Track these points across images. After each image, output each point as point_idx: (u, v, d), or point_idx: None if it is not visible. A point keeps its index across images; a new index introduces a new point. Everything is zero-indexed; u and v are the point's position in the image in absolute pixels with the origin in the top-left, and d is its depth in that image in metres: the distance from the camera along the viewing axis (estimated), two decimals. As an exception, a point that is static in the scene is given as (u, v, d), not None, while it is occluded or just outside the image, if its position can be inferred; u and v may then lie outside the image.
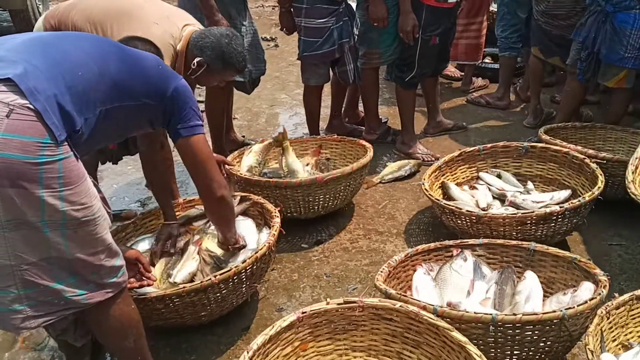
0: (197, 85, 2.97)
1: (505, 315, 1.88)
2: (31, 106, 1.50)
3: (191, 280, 2.32)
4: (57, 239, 1.58)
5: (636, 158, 2.75)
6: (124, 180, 3.80)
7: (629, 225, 3.06)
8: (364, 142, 3.41)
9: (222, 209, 2.23)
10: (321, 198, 2.99)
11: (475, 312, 1.91)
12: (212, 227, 2.53)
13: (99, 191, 1.75)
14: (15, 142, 1.48)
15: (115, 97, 1.74)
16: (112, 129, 1.84)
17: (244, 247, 2.43)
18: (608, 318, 2.02)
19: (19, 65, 1.55)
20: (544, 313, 1.87)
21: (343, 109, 4.29)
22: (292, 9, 3.68)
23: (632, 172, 2.68)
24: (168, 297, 2.14)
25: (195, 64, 2.52)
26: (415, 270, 2.40)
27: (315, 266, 2.85)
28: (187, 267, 2.41)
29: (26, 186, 1.49)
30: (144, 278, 2.18)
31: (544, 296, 2.30)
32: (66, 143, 1.57)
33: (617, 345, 2.07)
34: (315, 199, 2.99)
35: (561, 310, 1.86)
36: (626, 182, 2.63)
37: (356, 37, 3.77)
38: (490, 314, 1.88)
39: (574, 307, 1.88)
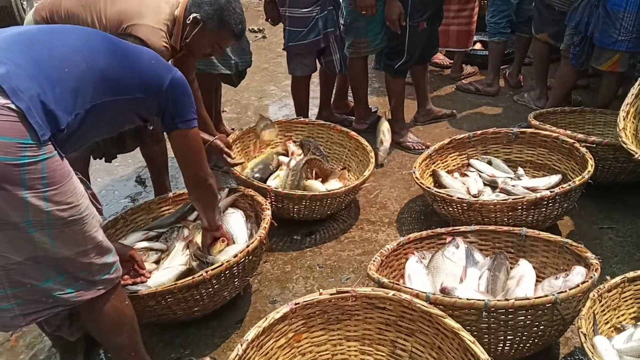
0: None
1: (498, 300, 1.88)
2: (12, 106, 1.47)
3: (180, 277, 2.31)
4: (43, 239, 1.56)
5: (627, 104, 2.69)
6: (113, 176, 3.77)
7: (619, 209, 3.07)
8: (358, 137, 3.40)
9: (209, 196, 2.27)
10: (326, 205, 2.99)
11: (467, 299, 1.91)
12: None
13: (89, 187, 1.72)
14: None
15: (105, 92, 1.71)
16: (103, 124, 1.81)
17: (228, 240, 2.46)
18: (600, 301, 2.04)
19: (2, 65, 1.51)
20: (536, 297, 1.87)
21: (332, 99, 4.27)
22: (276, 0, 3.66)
23: (623, 119, 2.64)
24: (160, 294, 2.13)
25: (191, 19, 2.41)
26: (407, 259, 2.40)
27: (307, 257, 2.85)
28: (175, 262, 2.40)
29: (8, 188, 1.47)
30: (138, 275, 2.18)
31: (537, 281, 2.31)
32: (50, 142, 1.54)
33: (609, 327, 2.09)
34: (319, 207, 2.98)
35: (553, 295, 1.86)
36: (617, 130, 2.61)
37: (342, 26, 3.74)
38: (483, 300, 1.88)
39: (565, 291, 1.88)
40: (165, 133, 2.16)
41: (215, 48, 2.58)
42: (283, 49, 3.75)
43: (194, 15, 2.41)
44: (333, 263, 2.79)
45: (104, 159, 2.86)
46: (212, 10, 2.41)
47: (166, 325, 2.38)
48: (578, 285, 1.93)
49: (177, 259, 2.43)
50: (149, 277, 2.23)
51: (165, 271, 2.36)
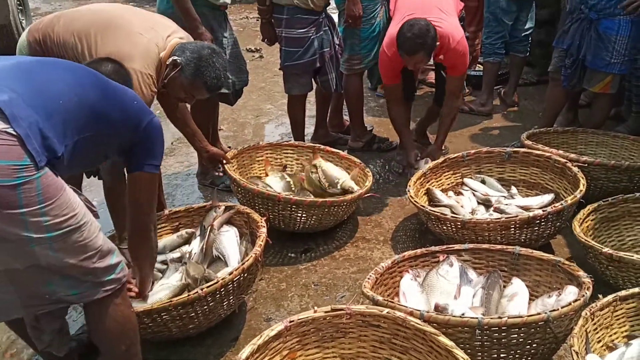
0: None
1: (491, 318, 1.90)
2: (11, 131, 1.51)
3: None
4: (45, 252, 1.60)
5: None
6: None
7: (611, 227, 3.09)
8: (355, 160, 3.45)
9: (150, 248, 2.21)
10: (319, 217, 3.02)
11: (461, 316, 1.92)
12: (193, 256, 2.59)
13: (79, 193, 1.76)
14: None
15: (92, 125, 1.76)
16: (89, 156, 1.87)
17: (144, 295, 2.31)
18: (593, 319, 2.05)
19: (4, 92, 1.56)
20: (528, 316, 1.89)
21: (328, 117, 4.31)
22: (272, 20, 3.71)
23: None
24: (155, 311, 2.14)
25: (170, 61, 2.50)
26: (402, 277, 2.42)
27: (303, 275, 2.86)
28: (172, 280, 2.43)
29: (7, 208, 1.51)
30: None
31: (530, 299, 2.32)
32: (46, 167, 1.59)
33: (602, 346, 2.10)
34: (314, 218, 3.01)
35: (546, 313, 1.88)
36: None
37: (337, 46, 3.81)
38: (477, 318, 1.89)
39: (558, 310, 1.90)
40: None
41: (188, 96, 2.64)
42: (279, 69, 3.80)
43: (174, 58, 2.51)
44: (328, 281, 2.80)
45: (97, 177, 2.89)
46: (192, 58, 2.50)
47: (161, 342, 2.37)
48: (570, 304, 1.95)
49: (174, 277, 2.45)
50: (137, 294, 2.23)
51: (161, 287, 2.37)
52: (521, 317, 1.90)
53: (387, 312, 1.94)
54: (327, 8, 3.75)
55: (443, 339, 1.81)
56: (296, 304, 2.66)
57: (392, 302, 2.06)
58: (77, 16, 2.61)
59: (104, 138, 1.85)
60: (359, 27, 3.72)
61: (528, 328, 1.90)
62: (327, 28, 3.65)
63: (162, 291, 2.35)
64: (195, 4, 3.18)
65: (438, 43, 3.21)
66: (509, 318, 1.89)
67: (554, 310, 1.90)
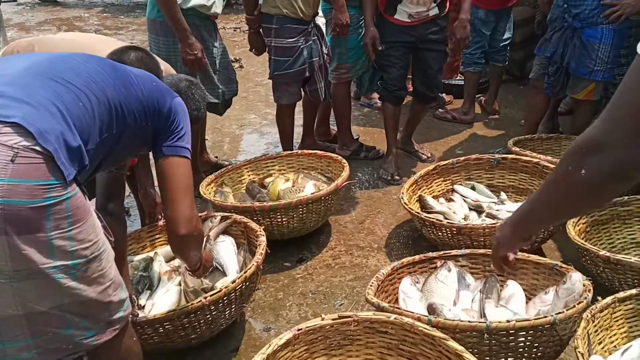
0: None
1: (499, 322, 1.92)
2: (37, 147, 1.42)
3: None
4: (70, 283, 1.50)
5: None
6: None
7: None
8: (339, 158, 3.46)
9: (187, 245, 2.00)
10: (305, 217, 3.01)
11: (469, 321, 1.94)
12: None
13: (100, 219, 1.66)
14: (22, 187, 1.39)
15: (114, 123, 1.67)
16: (113, 154, 1.76)
17: (211, 267, 2.30)
18: (593, 321, 2.08)
19: (23, 104, 1.47)
20: (535, 319, 1.91)
21: (315, 127, 4.32)
22: (261, 30, 3.71)
23: None
24: (158, 322, 2.11)
25: None
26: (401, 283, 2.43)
27: (299, 284, 2.85)
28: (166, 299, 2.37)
29: (34, 232, 1.42)
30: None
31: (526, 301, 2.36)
32: (74, 181, 1.50)
33: (602, 347, 2.12)
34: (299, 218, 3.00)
35: (552, 315, 1.91)
36: None
37: (326, 56, 3.83)
38: (485, 322, 1.91)
39: (563, 312, 1.93)
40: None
41: None
42: (268, 78, 3.80)
43: None
44: (325, 289, 2.80)
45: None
46: None
47: (160, 356, 2.33)
48: (574, 306, 1.98)
49: (172, 289, 2.41)
50: (136, 315, 2.15)
51: (162, 297, 2.34)
52: (529, 320, 1.92)
53: (395, 318, 1.94)
54: (316, 18, 3.77)
55: (453, 343, 1.81)
56: (295, 312, 2.64)
57: (399, 308, 2.07)
58: (52, 46, 2.56)
59: (128, 133, 1.74)
60: (347, 35, 3.75)
61: (535, 331, 1.92)
62: (315, 37, 3.67)
63: (162, 302, 2.32)
64: (185, 14, 3.17)
65: None
66: (517, 321, 1.91)
67: (559, 312, 1.93)
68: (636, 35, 3.39)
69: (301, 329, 1.91)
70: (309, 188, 3.24)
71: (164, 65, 2.70)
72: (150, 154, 1.94)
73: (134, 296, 2.17)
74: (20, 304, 1.47)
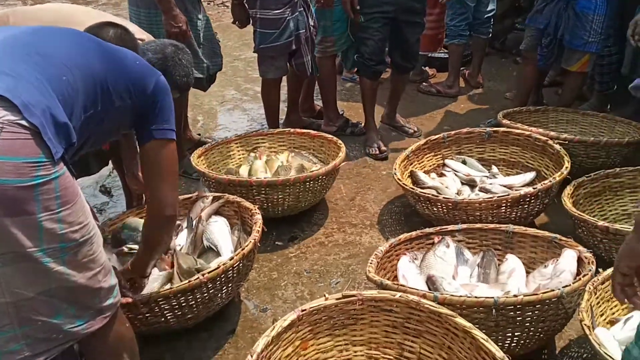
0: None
1: (507, 297, 1.89)
2: (23, 122, 1.34)
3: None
4: (58, 268, 1.42)
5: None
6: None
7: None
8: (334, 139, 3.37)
9: (169, 229, 2.01)
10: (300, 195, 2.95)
11: (476, 297, 1.91)
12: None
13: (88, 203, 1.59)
14: (8, 165, 1.31)
15: (99, 99, 1.60)
16: (97, 134, 1.69)
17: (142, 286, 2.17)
18: (595, 293, 2.08)
19: (6, 76, 1.38)
20: (543, 292, 1.89)
21: (299, 102, 4.22)
22: (244, 1, 3.59)
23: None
24: (154, 300, 2.03)
25: None
26: (399, 260, 2.39)
27: (293, 263, 2.79)
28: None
29: (22, 212, 1.33)
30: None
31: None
32: (62, 159, 1.42)
33: (604, 319, 2.13)
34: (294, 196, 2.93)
35: (559, 289, 1.89)
36: None
37: (312, 28, 3.72)
38: (492, 298, 1.88)
39: (570, 285, 1.92)
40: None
41: None
42: (254, 52, 3.67)
43: None
44: (320, 268, 2.75)
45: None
46: (156, 59, 2.21)
47: (154, 340, 2.26)
48: (580, 279, 1.98)
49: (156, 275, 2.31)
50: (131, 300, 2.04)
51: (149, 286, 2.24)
52: (536, 294, 1.89)
53: (400, 296, 1.90)
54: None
55: (460, 320, 1.79)
56: (291, 292, 2.59)
57: (403, 286, 2.03)
58: (29, 16, 2.43)
59: (115, 111, 1.67)
60: (331, 7, 3.66)
61: (542, 305, 1.90)
62: (302, 9, 3.55)
63: (151, 282, 2.23)
64: (169, -14, 3.02)
65: None
66: (524, 296, 1.88)
67: (567, 285, 1.91)
68: (625, 7, 3.38)
69: (305, 310, 1.86)
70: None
71: (146, 36, 2.59)
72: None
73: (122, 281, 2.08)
74: (8, 291, 1.39)
